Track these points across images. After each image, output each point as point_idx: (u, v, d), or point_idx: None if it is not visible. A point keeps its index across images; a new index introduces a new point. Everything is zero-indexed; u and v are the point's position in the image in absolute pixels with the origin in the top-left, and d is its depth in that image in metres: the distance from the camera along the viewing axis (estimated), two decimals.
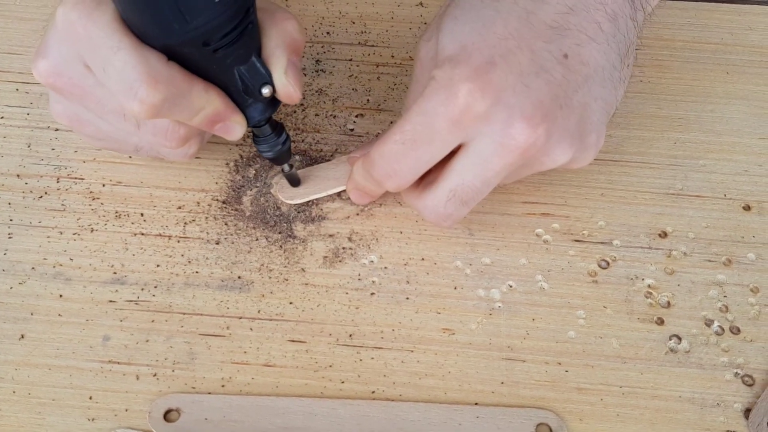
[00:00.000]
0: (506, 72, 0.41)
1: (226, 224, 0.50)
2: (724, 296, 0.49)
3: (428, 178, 0.45)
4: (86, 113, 0.45)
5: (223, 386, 0.44)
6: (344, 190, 0.50)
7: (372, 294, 0.48)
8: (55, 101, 0.45)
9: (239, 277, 0.48)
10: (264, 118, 0.44)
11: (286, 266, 0.49)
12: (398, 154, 0.43)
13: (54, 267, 0.48)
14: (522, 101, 0.41)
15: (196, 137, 0.45)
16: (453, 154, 0.43)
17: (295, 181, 0.50)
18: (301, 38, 0.44)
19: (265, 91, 0.43)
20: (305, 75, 0.56)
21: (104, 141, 0.47)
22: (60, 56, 0.42)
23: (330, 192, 0.51)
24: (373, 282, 0.48)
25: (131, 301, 0.47)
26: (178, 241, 0.49)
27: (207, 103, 0.42)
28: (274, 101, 0.44)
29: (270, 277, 0.48)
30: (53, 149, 0.52)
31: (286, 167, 0.49)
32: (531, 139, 0.41)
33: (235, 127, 0.44)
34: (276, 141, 0.46)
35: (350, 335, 0.46)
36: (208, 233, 0.49)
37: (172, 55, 0.40)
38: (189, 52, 0.40)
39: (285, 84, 0.43)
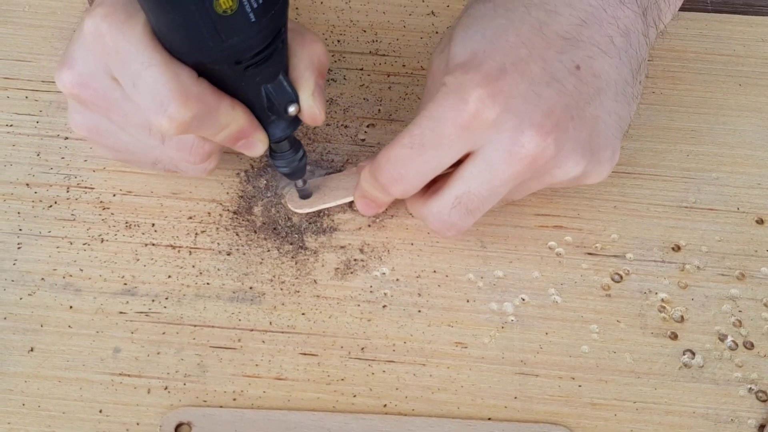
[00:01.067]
0: (517, 80, 0.40)
1: (237, 235, 0.50)
2: (738, 311, 0.48)
3: (434, 186, 0.44)
4: (108, 125, 0.44)
5: (234, 399, 0.44)
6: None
7: (384, 306, 0.48)
8: (75, 111, 0.44)
9: (251, 288, 0.48)
10: (285, 135, 0.44)
11: (297, 278, 0.48)
12: (405, 158, 0.43)
13: (64, 278, 0.47)
14: (532, 109, 0.40)
15: (217, 152, 0.45)
16: (461, 163, 0.43)
17: (307, 196, 0.50)
18: (327, 61, 0.44)
19: (291, 109, 0.43)
20: None
21: (122, 153, 0.46)
22: (86, 67, 0.41)
23: (339, 202, 0.50)
24: (385, 294, 0.48)
25: (142, 312, 0.47)
26: (189, 252, 0.49)
27: (232, 120, 0.42)
28: (296, 119, 0.44)
29: (282, 289, 0.48)
30: (63, 158, 0.52)
31: (299, 182, 0.48)
32: (540, 148, 0.41)
33: (257, 144, 0.44)
34: (293, 157, 0.46)
35: (362, 348, 0.46)
36: (219, 244, 0.49)
37: (201, 71, 0.40)
38: (220, 69, 0.40)
39: (311, 106, 0.43)
